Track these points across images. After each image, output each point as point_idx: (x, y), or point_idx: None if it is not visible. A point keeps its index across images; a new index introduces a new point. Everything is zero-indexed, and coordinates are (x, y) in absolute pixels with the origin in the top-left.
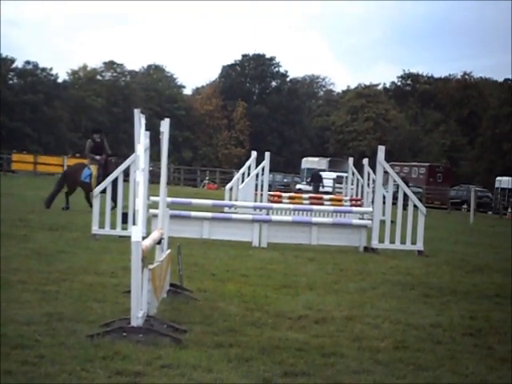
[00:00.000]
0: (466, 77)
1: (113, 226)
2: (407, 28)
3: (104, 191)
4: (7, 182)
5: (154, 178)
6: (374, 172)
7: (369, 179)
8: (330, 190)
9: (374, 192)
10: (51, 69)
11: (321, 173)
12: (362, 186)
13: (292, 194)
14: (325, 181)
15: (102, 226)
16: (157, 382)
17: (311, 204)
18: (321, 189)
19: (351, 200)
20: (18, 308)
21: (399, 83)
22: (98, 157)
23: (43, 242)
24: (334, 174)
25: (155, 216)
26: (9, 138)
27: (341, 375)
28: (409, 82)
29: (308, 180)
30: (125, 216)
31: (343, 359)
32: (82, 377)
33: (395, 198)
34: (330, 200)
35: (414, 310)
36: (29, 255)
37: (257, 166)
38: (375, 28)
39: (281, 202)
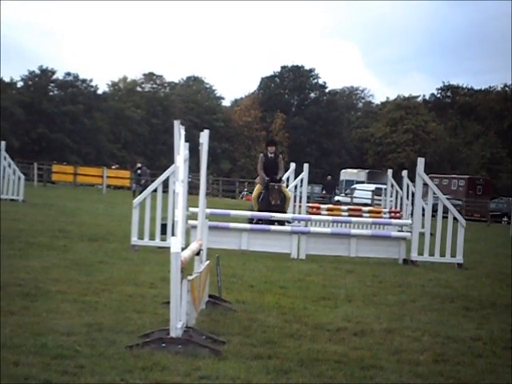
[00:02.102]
0: (507, 89)
1: (152, 237)
2: (446, 39)
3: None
4: (47, 192)
5: (192, 190)
6: (414, 184)
7: (408, 191)
8: (368, 201)
9: (413, 204)
10: (91, 80)
11: (331, 180)
12: (401, 198)
13: (331, 206)
14: (363, 193)
15: (141, 236)
16: None
17: (350, 216)
18: (336, 197)
19: (390, 212)
20: (57, 318)
21: (439, 95)
22: (266, 178)
23: (83, 252)
24: (372, 186)
25: (194, 227)
26: (49, 149)
27: None
28: (448, 93)
29: (322, 187)
30: (164, 227)
31: (382, 372)
32: None
33: (435, 210)
34: (369, 212)
35: (453, 323)
36: (68, 266)
37: (295, 177)
38: (414, 38)
39: (319, 214)
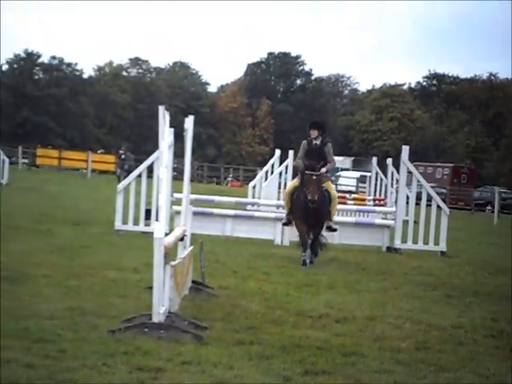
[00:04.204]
0: (492, 78)
1: (136, 222)
2: (433, 28)
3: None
4: (31, 176)
5: (178, 175)
6: (398, 172)
7: (392, 179)
8: (353, 189)
9: (397, 192)
10: (76, 64)
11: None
12: (386, 186)
13: None
14: (348, 180)
15: (125, 221)
16: (177, 378)
17: None
18: None
19: (374, 200)
20: (40, 302)
21: (424, 83)
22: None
23: (66, 237)
24: (357, 174)
25: (178, 213)
26: (33, 133)
27: (361, 374)
28: (434, 82)
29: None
30: (148, 212)
31: (364, 359)
32: (102, 372)
33: (419, 198)
34: (353, 199)
35: (435, 311)
36: (52, 250)
37: (280, 164)
38: (401, 27)
39: None
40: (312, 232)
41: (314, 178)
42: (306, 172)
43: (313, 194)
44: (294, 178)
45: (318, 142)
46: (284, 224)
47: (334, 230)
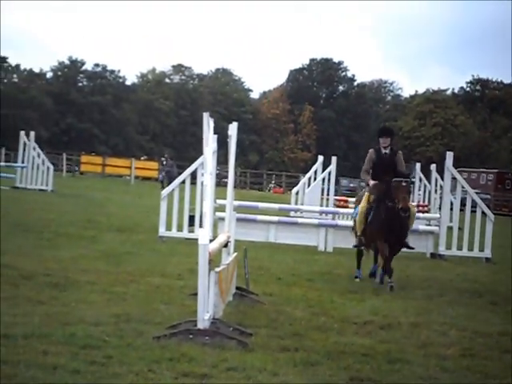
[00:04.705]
0: None
1: (179, 229)
2: (476, 32)
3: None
4: (76, 183)
5: (220, 181)
6: (442, 178)
7: (436, 185)
8: None
9: (441, 198)
10: (119, 71)
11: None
12: (429, 192)
13: None
14: None
15: (168, 228)
16: None
17: None
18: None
19: (418, 206)
20: (86, 308)
21: (468, 89)
22: (371, 182)
23: (111, 243)
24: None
25: (222, 219)
26: (77, 140)
27: (407, 381)
28: (478, 87)
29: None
30: (191, 219)
31: (409, 365)
32: (148, 378)
33: (463, 204)
34: None
35: (481, 318)
36: (97, 256)
37: (323, 170)
38: (443, 32)
39: (347, 207)
40: (393, 248)
41: (404, 184)
42: (396, 179)
43: (404, 202)
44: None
45: (388, 151)
46: (355, 246)
47: (412, 248)
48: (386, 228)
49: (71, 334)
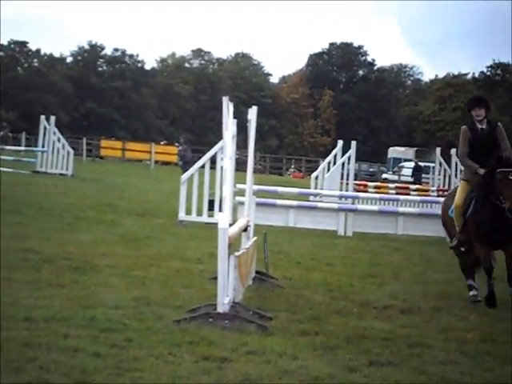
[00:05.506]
0: None
1: (199, 213)
2: (497, 16)
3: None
4: (96, 167)
5: (239, 166)
6: None
7: (456, 170)
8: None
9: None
10: (138, 55)
11: (420, 164)
12: (450, 177)
13: (378, 184)
14: (411, 171)
15: (188, 212)
16: (242, 368)
17: (397, 194)
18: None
19: (438, 190)
20: (106, 292)
21: (488, 73)
22: (481, 170)
23: (131, 227)
24: (420, 164)
25: (241, 203)
26: (97, 124)
27: (427, 366)
28: (498, 71)
29: (411, 173)
30: (211, 203)
31: (429, 350)
32: (168, 361)
33: None
34: (417, 190)
35: (501, 302)
36: (116, 240)
37: (343, 155)
38: (464, 16)
39: (367, 192)
40: (506, 255)
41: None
42: (501, 170)
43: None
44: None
45: (485, 126)
46: (453, 248)
47: None
48: (486, 230)
49: (91, 317)
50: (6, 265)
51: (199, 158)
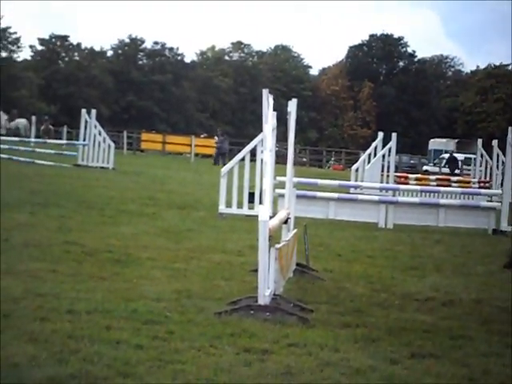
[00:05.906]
0: None
1: (239, 206)
2: None
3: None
4: (136, 160)
5: (278, 159)
6: (504, 154)
7: (498, 161)
8: (458, 171)
9: (503, 174)
10: (178, 48)
11: (455, 155)
12: (491, 168)
13: (419, 176)
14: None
15: (228, 205)
16: (284, 361)
17: (438, 185)
18: (457, 171)
19: (479, 182)
20: (147, 284)
21: None
22: None
23: (171, 220)
24: (462, 156)
25: (281, 196)
26: (138, 118)
27: (469, 358)
28: None
29: (444, 163)
30: (251, 196)
31: (472, 342)
32: (210, 353)
33: None
34: (458, 182)
35: None
36: (157, 233)
37: (383, 146)
38: (505, 5)
39: (407, 184)
40: None
41: None
42: None
43: None
44: None
45: None
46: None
47: None
48: None
49: (133, 309)
50: (50, 258)
51: (239, 150)
